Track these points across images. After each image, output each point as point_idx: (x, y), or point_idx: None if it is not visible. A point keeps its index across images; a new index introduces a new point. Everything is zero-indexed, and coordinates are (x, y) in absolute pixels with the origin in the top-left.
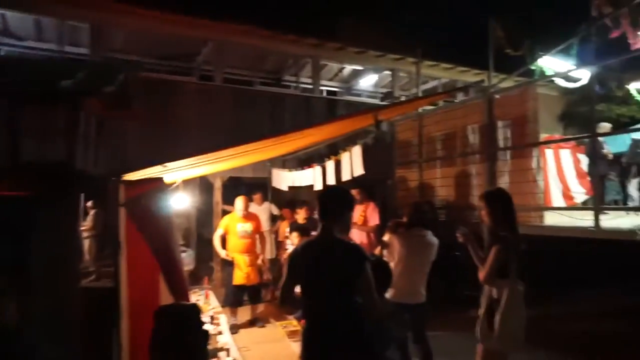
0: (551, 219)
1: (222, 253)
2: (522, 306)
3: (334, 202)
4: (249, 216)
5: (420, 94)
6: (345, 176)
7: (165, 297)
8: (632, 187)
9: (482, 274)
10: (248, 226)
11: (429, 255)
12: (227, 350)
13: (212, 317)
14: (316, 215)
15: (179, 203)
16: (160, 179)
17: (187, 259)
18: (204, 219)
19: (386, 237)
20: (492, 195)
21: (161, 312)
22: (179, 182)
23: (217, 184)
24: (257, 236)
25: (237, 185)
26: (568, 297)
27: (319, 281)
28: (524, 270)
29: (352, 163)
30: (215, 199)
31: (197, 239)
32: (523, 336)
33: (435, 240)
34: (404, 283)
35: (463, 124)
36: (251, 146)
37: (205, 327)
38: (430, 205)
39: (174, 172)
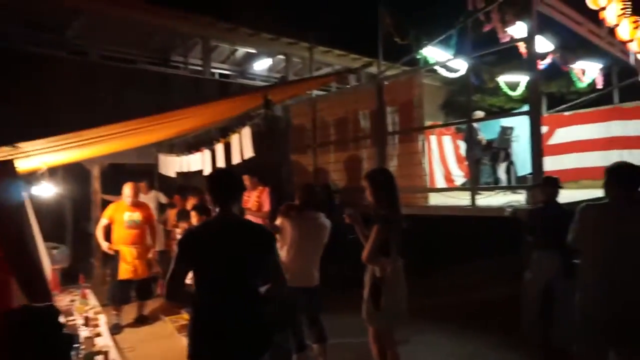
0: (434, 199)
1: (104, 245)
2: (403, 281)
3: (233, 183)
4: (138, 205)
5: None
6: (236, 159)
7: (20, 301)
8: (500, 171)
9: (363, 253)
10: (137, 215)
11: (322, 237)
12: (106, 353)
13: (86, 319)
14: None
15: (46, 192)
16: (9, 163)
17: (60, 256)
18: (81, 211)
19: (278, 221)
20: (374, 175)
21: (6, 317)
22: (44, 169)
23: (95, 172)
24: (147, 227)
25: (119, 173)
26: (450, 271)
27: (223, 264)
28: (405, 248)
29: (242, 145)
30: (93, 188)
31: (73, 234)
32: (406, 311)
33: (327, 223)
34: (297, 267)
35: (355, 109)
36: (126, 126)
37: (68, 330)
38: (326, 188)
39: (34, 155)
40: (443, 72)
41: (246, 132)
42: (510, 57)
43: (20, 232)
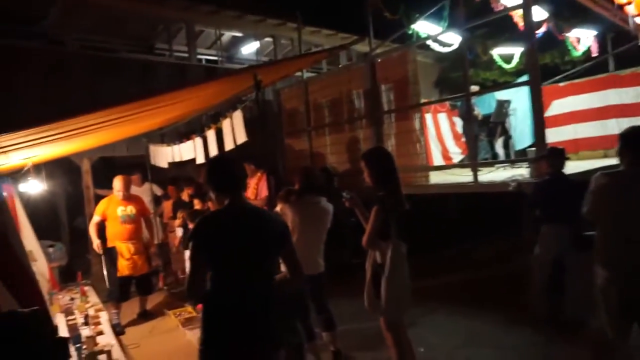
0: (434, 178)
1: (95, 243)
2: (406, 268)
3: (239, 168)
4: (130, 198)
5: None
6: (228, 145)
7: (8, 305)
8: (498, 146)
9: (363, 238)
10: (130, 209)
11: (325, 222)
12: (108, 352)
13: (86, 317)
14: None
15: (33, 189)
16: None
17: (56, 253)
18: (75, 208)
19: (278, 208)
20: (370, 154)
21: None
22: (29, 165)
23: (85, 166)
24: (143, 220)
25: (110, 166)
26: (454, 249)
27: (240, 253)
28: (407, 231)
29: (235, 131)
30: (84, 184)
31: (69, 231)
32: (409, 300)
33: (329, 207)
34: (301, 254)
35: (348, 89)
36: (106, 114)
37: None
38: (324, 171)
39: (12, 151)
40: (436, 47)
41: (237, 116)
42: (503, 29)
43: (5, 233)
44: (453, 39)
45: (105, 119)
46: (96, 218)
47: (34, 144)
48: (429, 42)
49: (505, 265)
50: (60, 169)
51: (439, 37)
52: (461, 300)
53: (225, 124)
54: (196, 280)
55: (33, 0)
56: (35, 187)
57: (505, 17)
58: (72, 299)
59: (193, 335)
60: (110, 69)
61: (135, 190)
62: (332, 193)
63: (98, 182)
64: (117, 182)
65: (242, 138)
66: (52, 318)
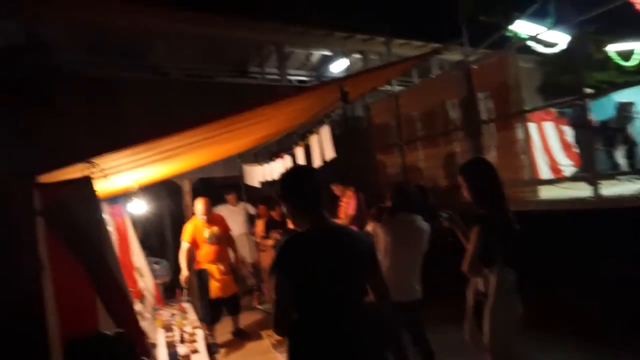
0: (545, 193)
1: (184, 274)
2: (515, 299)
3: (317, 181)
4: (213, 219)
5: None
6: (317, 162)
7: (105, 326)
8: (618, 155)
9: (463, 264)
10: (214, 230)
11: (420, 243)
12: None
13: (182, 336)
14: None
15: (139, 210)
16: (86, 180)
17: (161, 270)
18: (178, 226)
19: (369, 227)
20: (469, 166)
21: (70, 348)
22: (135, 187)
23: (186, 187)
24: (226, 240)
25: (209, 187)
26: (576, 280)
27: (327, 279)
28: (516, 255)
29: (323, 145)
30: (185, 203)
31: (173, 248)
32: (520, 338)
33: (426, 226)
34: (395, 278)
35: (441, 100)
36: (201, 132)
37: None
38: (419, 188)
39: (118, 172)
40: (538, 48)
41: (325, 131)
42: (619, 22)
43: (104, 252)
44: (558, 38)
45: (202, 136)
46: (185, 245)
47: (140, 164)
48: (530, 43)
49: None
50: (164, 190)
51: (542, 37)
52: (591, 341)
53: (313, 140)
54: (283, 313)
55: (139, 34)
56: (142, 207)
57: (621, 9)
58: (173, 314)
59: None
60: (207, 94)
61: (230, 210)
62: (427, 211)
63: None
64: (200, 205)
65: (330, 154)
66: (145, 337)
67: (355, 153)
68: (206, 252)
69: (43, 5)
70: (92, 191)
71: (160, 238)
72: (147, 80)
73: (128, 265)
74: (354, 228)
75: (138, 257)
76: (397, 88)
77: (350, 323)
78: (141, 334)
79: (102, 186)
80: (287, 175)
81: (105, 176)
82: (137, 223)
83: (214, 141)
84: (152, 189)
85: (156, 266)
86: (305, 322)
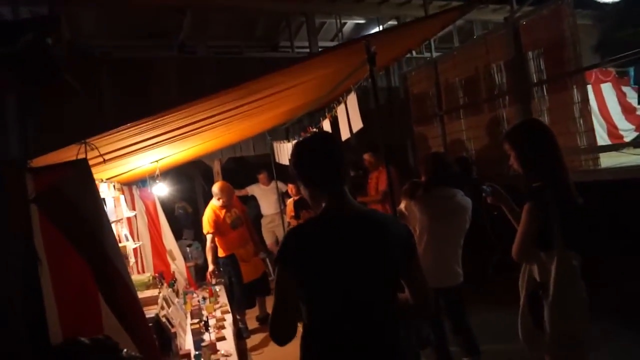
0: (604, 161)
1: (210, 268)
2: (579, 291)
3: (339, 151)
4: (232, 203)
5: (433, 41)
6: (344, 134)
7: (109, 323)
8: None
9: (513, 247)
10: (234, 212)
11: (461, 222)
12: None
13: (207, 320)
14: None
15: (169, 192)
16: (82, 161)
17: (194, 252)
18: None
19: (402, 205)
20: (518, 131)
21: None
22: (157, 169)
23: (216, 167)
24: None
25: (239, 167)
26: None
27: (348, 275)
28: (580, 235)
29: (350, 116)
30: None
31: None
32: (590, 334)
33: (467, 202)
34: (432, 261)
35: (485, 63)
36: (222, 102)
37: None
38: (461, 160)
39: (146, 147)
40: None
41: (352, 99)
42: None
43: (106, 242)
44: None
45: (230, 106)
46: (210, 236)
47: (170, 139)
48: None
49: None
50: (197, 171)
51: None
52: None
53: (340, 111)
54: (283, 317)
55: (164, 12)
56: (172, 189)
57: None
58: (204, 298)
59: None
60: (237, 70)
61: (262, 189)
62: (469, 185)
63: (230, 182)
64: (219, 190)
65: (357, 124)
66: (152, 332)
67: (391, 126)
68: (231, 237)
69: None
70: (89, 175)
71: (193, 220)
72: (174, 59)
73: (160, 248)
74: (386, 207)
75: (169, 240)
76: (437, 55)
77: (375, 332)
78: (147, 329)
79: (124, 169)
80: (298, 145)
81: (103, 159)
82: (168, 205)
83: (239, 116)
84: (184, 171)
85: (188, 249)
86: (316, 330)
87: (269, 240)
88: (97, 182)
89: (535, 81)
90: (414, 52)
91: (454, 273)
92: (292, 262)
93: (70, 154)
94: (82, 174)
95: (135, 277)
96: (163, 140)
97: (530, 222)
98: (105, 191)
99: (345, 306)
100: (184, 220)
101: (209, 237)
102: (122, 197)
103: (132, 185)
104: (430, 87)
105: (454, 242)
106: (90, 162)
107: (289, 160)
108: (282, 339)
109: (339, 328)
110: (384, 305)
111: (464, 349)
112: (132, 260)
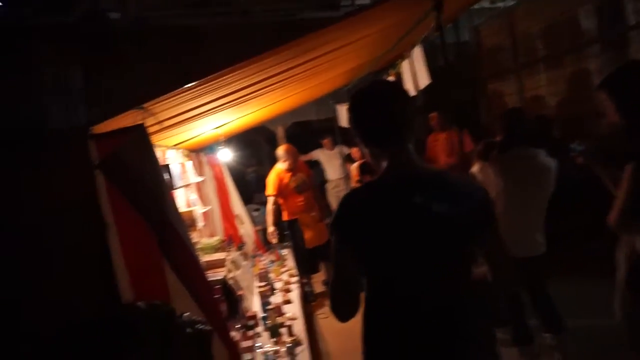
0: None
1: (270, 230)
2: None
3: (403, 108)
4: (297, 167)
5: None
6: (410, 92)
7: (175, 288)
8: None
9: (611, 215)
10: (300, 176)
11: (543, 184)
12: (289, 327)
13: (276, 285)
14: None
15: (234, 158)
16: (140, 127)
17: (261, 217)
18: None
19: (475, 168)
20: (619, 76)
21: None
22: (222, 135)
23: (280, 133)
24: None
25: (303, 132)
26: None
27: (413, 245)
28: None
29: (416, 72)
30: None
31: None
32: None
33: (550, 163)
34: (509, 228)
35: (569, 7)
36: (281, 60)
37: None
38: (542, 118)
39: (189, 119)
40: None
41: (417, 53)
42: None
43: (168, 207)
44: None
45: (289, 65)
46: (271, 199)
47: (228, 103)
48: None
49: None
50: (263, 137)
51: None
52: None
53: (405, 67)
54: (340, 292)
55: None
56: (238, 155)
57: None
58: (272, 261)
59: None
60: (292, 32)
61: (327, 154)
62: (551, 144)
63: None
64: (284, 152)
65: (424, 81)
66: (216, 296)
67: (462, 84)
68: (297, 201)
69: None
70: (147, 140)
71: (259, 185)
72: (228, 25)
73: (228, 212)
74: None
75: (237, 204)
76: (512, 3)
77: (444, 311)
78: (210, 294)
79: (188, 135)
80: (354, 95)
81: (160, 124)
82: (239, 170)
83: (299, 76)
84: (248, 136)
85: (255, 213)
86: (377, 306)
87: (334, 205)
88: (163, 148)
89: (632, 24)
90: (486, 2)
91: (536, 242)
92: (347, 230)
93: (130, 120)
94: (140, 139)
95: (205, 241)
96: (221, 105)
97: (632, 187)
98: (172, 157)
99: (408, 281)
100: (255, 184)
101: (270, 200)
102: (188, 163)
103: (200, 152)
104: (505, 39)
105: (535, 207)
106: (153, 129)
107: (348, 113)
108: (342, 315)
109: (400, 305)
110: (456, 280)
111: (545, 325)
112: (201, 224)
